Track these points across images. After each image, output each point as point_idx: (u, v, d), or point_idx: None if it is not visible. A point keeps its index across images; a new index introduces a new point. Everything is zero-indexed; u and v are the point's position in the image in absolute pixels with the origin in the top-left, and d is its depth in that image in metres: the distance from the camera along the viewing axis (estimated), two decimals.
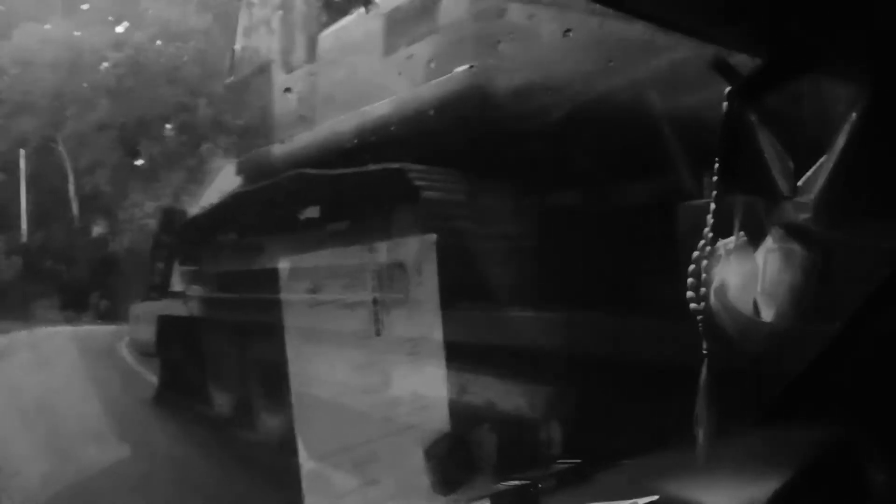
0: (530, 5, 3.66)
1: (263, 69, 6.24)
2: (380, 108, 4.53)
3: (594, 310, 2.96)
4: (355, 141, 4.66)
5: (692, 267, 1.07)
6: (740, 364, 1.10)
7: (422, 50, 4.31)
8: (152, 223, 10.37)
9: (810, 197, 1.04)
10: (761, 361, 1.11)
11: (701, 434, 1.08)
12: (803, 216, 1.04)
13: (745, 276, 1.05)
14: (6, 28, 13.46)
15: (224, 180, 7.46)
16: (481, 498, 1.38)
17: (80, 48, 13.52)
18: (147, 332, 7.18)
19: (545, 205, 3.73)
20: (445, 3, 4.21)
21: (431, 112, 4.08)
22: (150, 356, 7.34)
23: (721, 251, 1.06)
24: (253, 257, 5.24)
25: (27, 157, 13.37)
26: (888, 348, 1.12)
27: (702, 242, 1.07)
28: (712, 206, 1.05)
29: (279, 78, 5.92)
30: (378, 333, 2.44)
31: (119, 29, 13.70)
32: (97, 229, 13.45)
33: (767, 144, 1.01)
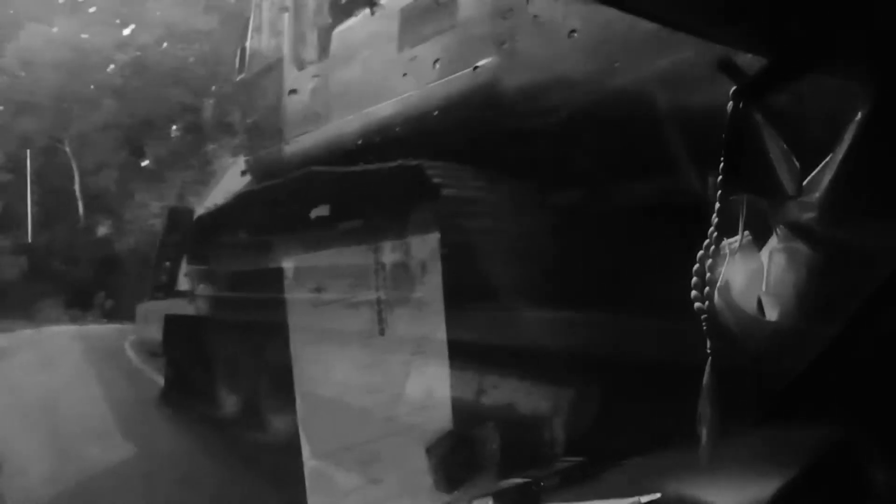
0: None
1: (274, 66, 6.20)
2: (393, 105, 4.48)
3: (612, 310, 2.93)
4: (361, 140, 4.64)
5: (696, 266, 1.07)
6: (744, 363, 1.10)
7: (438, 45, 4.26)
8: (158, 223, 10.41)
9: (815, 196, 1.04)
10: (765, 360, 1.11)
11: (704, 433, 1.08)
12: (808, 215, 1.04)
13: (749, 275, 1.05)
14: (13, 29, 13.52)
15: (231, 180, 7.45)
16: (484, 496, 1.39)
17: (87, 50, 13.58)
18: (154, 332, 7.18)
19: (563, 203, 3.68)
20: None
21: (450, 107, 4.03)
22: (157, 356, 7.34)
23: (725, 250, 1.06)
24: (263, 256, 5.18)
25: (33, 158, 13.43)
26: (888, 348, 1.12)
27: (706, 242, 1.07)
28: (717, 205, 1.05)
29: (291, 75, 5.88)
30: (382, 333, 2.45)
31: (125, 31, 13.76)
32: (102, 229, 13.49)
33: (772, 144, 1.01)
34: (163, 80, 13.23)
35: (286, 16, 6.17)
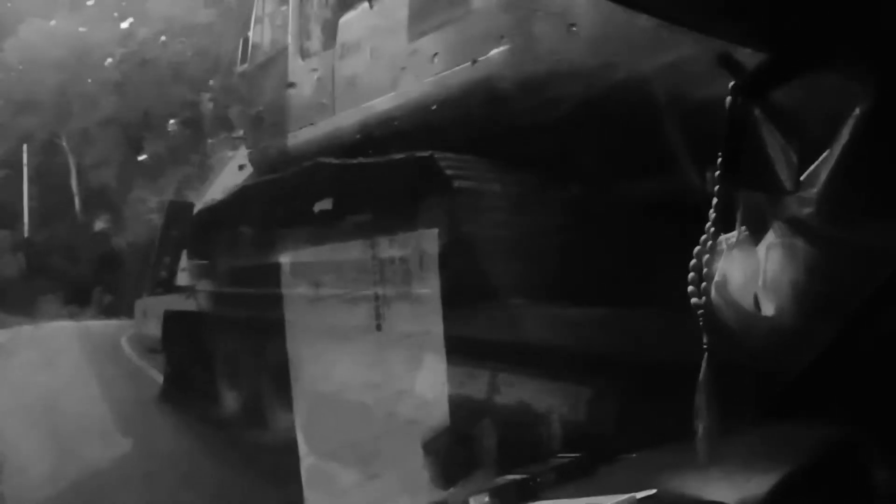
0: None
1: (278, 57, 6.09)
2: (403, 95, 4.38)
3: (617, 305, 2.90)
4: (363, 133, 4.52)
5: (693, 262, 1.07)
6: (740, 358, 1.10)
7: (449, 35, 4.15)
8: (156, 218, 10.38)
9: (813, 192, 1.04)
10: (761, 356, 1.11)
11: (700, 429, 1.07)
12: (806, 211, 1.04)
13: (746, 270, 1.05)
14: (12, 24, 13.49)
15: (230, 174, 7.36)
16: (481, 492, 1.39)
17: (85, 45, 13.55)
18: (153, 328, 7.12)
19: (576, 197, 3.59)
20: None
21: (464, 96, 3.94)
22: (155, 352, 7.26)
23: (723, 246, 1.06)
24: (266, 251, 5.05)
25: (31, 153, 13.41)
26: (888, 348, 1.12)
27: (703, 237, 1.07)
28: (714, 200, 1.05)
29: (295, 66, 5.77)
30: (378, 328, 2.45)
31: (124, 25, 13.74)
32: (100, 224, 13.48)
33: (771, 139, 1.01)
34: (161, 75, 13.21)
35: (290, 5, 6.04)
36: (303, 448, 2.27)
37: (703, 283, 1.04)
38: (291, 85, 5.62)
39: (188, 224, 7.68)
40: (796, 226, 1.04)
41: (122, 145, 13.34)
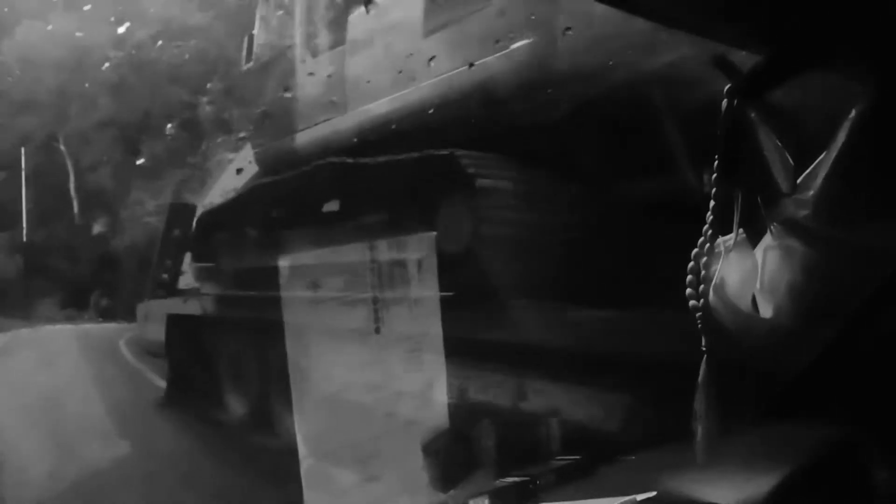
0: None
1: (284, 54, 5.94)
2: (419, 90, 4.24)
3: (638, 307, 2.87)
4: (392, 126, 4.33)
5: (691, 264, 1.07)
6: (739, 360, 1.10)
7: (467, 29, 4.02)
8: (154, 221, 10.35)
9: (810, 194, 1.04)
10: (759, 357, 1.11)
11: (700, 430, 1.08)
12: (803, 213, 1.04)
13: (744, 272, 1.05)
14: (10, 26, 13.48)
15: (231, 176, 7.23)
16: (480, 494, 1.39)
17: (83, 47, 13.53)
18: (155, 331, 6.94)
19: (581, 196, 3.51)
20: None
21: (463, 98, 3.84)
22: (156, 356, 7.10)
23: (720, 248, 1.06)
24: (273, 253, 4.99)
25: (28, 156, 13.39)
26: (888, 348, 1.12)
27: (701, 239, 1.07)
28: (711, 202, 1.06)
29: (303, 63, 5.61)
30: (377, 331, 2.44)
31: (120, 28, 13.71)
32: (98, 227, 13.45)
33: (767, 141, 1.01)
34: (158, 78, 13.19)
35: (297, 0, 5.86)
36: (302, 449, 2.27)
37: (702, 286, 1.05)
38: (288, 89, 5.55)
39: (190, 226, 7.55)
40: (793, 227, 1.05)
41: (120, 147, 13.32)
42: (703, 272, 1.05)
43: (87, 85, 13.74)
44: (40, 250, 12.88)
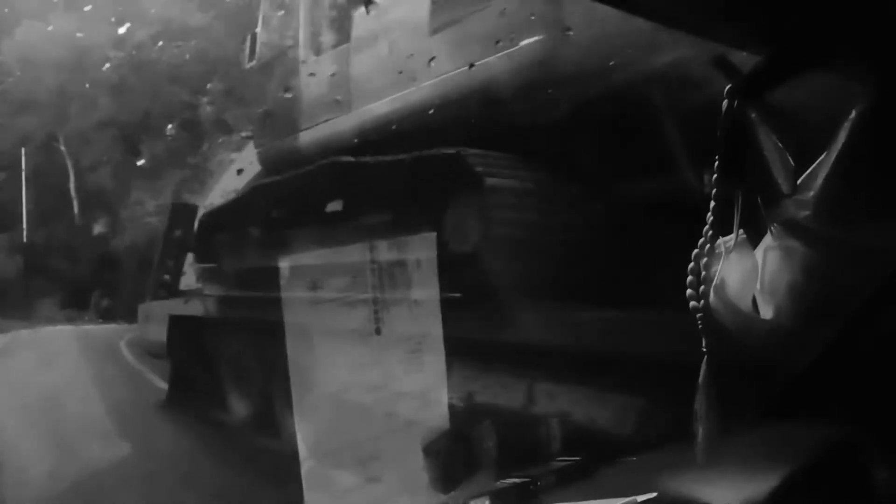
0: None
1: (287, 53, 5.90)
2: (419, 91, 4.21)
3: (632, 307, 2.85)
4: (393, 127, 4.30)
5: (692, 265, 1.07)
6: (739, 361, 1.10)
7: (474, 25, 3.99)
8: (154, 221, 10.35)
9: (810, 194, 1.04)
10: (760, 358, 1.11)
11: (700, 431, 1.08)
12: (803, 213, 1.04)
13: (744, 273, 1.05)
14: (10, 26, 13.49)
15: (231, 177, 7.20)
16: (481, 495, 1.39)
17: (83, 48, 13.54)
18: (156, 332, 6.87)
19: (604, 196, 3.48)
20: None
21: (463, 99, 3.82)
22: (158, 357, 7.04)
23: (721, 249, 1.06)
24: (277, 254, 4.94)
25: (29, 156, 13.40)
26: (888, 348, 1.12)
27: (701, 240, 1.07)
28: (712, 203, 1.05)
29: (307, 61, 5.57)
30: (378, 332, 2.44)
31: (121, 29, 13.72)
32: (98, 228, 13.45)
33: (767, 141, 1.01)
34: (159, 78, 13.20)
35: None
36: (303, 449, 2.27)
37: (702, 286, 1.05)
38: (289, 89, 5.53)
39: (192, 227, 7.49)
40: (794, 228, 1.05)
41: (120, 148, 13.33)
42: (703, 273, 1.05)
43: (87, 85, 13.75)
44: (40, 250, 12.88)
